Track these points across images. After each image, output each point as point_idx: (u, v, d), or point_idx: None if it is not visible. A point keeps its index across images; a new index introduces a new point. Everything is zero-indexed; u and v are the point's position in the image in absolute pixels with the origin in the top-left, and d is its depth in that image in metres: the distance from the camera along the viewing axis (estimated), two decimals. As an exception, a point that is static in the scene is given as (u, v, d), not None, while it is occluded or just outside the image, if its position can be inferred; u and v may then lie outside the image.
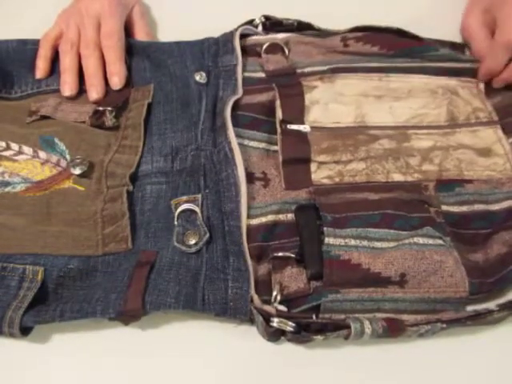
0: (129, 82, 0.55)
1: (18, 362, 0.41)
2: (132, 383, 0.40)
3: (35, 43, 0.55)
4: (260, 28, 0.58)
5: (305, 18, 0.58)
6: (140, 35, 0.58)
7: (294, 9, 0.59)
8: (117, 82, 0.54)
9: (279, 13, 0.59)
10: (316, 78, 0.53)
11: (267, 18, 0.58)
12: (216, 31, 0.57)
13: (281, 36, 0.58)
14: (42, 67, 0.55)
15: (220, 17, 0.60)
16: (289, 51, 0.57)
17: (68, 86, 0.54)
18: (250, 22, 0.58)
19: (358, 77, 0.54)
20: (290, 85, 0.52)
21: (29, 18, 0.61)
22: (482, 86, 0.55)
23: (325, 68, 0.55)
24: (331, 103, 0.51)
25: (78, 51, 0.55)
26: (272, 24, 0.58)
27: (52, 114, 0.52)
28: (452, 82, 0.54)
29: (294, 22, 0.58)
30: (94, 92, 0.53)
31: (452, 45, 0.58)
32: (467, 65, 0.55)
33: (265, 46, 0.56)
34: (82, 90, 0.54)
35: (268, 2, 0.61)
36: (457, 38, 0.59)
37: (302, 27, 0.59)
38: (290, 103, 0.50)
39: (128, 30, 0.58)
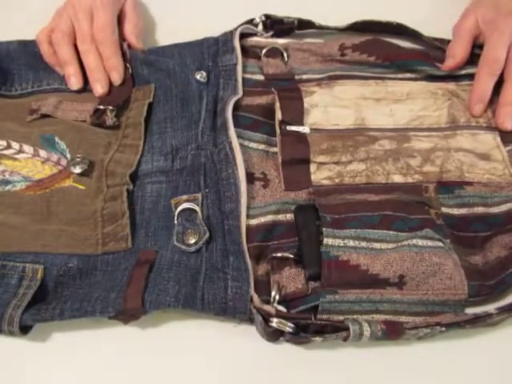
0: (131, 82, 0.55)
1: (18, 361, 0.41)
2: (131, 382, 0.41)
3: (35, 44, 0.55)
4: (260, 27, 0.58)
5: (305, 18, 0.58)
6: (128, 26, 0.57)
7: (293, 9, 0.59)
8: (116, 76, 0.54)
9: (279, 13, 0.58)
10: (314, 85, 0.53)
11: (267, 16, 0.58)
12: (216, 31, 0.57)
13: (281, 41, 0.58)
14: (54, 63, 0.55)
15: (220, 16, 0.60)
16: (288, 57, 0.57)
17: (74, 79, 0.54)
18: (250, 21, 0.58)
19: (355, 83, 0.54)
20: (289, 89, 0.52)
21: (30, 21, 0.60)
22: None
23: (322, 76, 0.55)
24: (330, 106, 0.51)
25: (71, 42, 0.54)
26: (272, 22, 0.58)
27: (52, 113, 0.52)
28: (450, 86, 0.54)
29: (295, 20, 0.58)
30: (99, 86, 0.53)
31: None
32: (463, 71, 0.55)
33: (265, 50, 0.56)
34: (82, 88, 0.54)
35: (268, 2, 0.61)
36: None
37: (302, 25, 0.59)
38: (289, 105, 0.50)
39: (120, 21, 0.57)
